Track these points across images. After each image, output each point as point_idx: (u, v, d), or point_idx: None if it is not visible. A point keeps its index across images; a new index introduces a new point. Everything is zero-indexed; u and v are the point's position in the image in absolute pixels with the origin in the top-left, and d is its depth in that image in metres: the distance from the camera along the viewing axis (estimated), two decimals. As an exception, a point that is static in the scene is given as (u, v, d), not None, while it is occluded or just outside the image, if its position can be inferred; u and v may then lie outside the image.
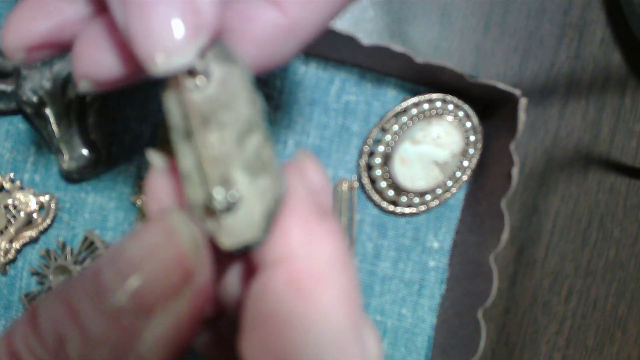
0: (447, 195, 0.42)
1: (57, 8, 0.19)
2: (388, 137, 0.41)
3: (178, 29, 0.15)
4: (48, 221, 0.40)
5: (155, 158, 0.18)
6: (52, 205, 0.40)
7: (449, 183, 0.41)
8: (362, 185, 0.42)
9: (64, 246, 0.40)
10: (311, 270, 0.16)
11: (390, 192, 0.41)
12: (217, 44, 0.17)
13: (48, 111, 0.37)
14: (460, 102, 0.40)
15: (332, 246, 0.16)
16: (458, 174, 0.41)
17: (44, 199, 0.40)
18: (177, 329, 0.16)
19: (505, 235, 0.36)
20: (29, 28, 0.19)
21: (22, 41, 0.19)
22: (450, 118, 0.41)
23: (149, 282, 0.15)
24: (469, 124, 0.41)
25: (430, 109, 0.40)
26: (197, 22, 0.15)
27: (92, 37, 0.18)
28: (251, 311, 0.16)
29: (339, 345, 0.15)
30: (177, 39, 0.15)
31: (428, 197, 0.41)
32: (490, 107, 0.41)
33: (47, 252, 0.40)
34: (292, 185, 0.17)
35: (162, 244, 0.16)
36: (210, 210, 0.16)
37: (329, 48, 0.39)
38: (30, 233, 0.40)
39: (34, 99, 0.37)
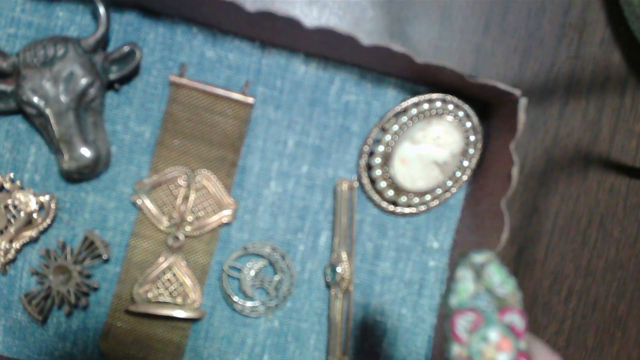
0: (447, 195, 0.42)
1: None
2: (388, 137, 0.41)
3: None
4: (48, 221, 0.40)
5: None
6: (52, 205, 0.40)
7: (449, 183, 0.41)
8: (362, 185, 0.42)
9: (64, 246, 0.40)
10: None
11: (390, 192, 0.41)
12: None
13: (48, 111, 0.37)
14: (460, 102, 0.40)
15: None
16: (458, 174, 0.41)
17: (44, 199, 0.40)
18: None
19: (505, 235, 0.36)
20: None
21: None
22: (450, 118, 0.41)
23: None
24: (469, 124, 0.41)
25: (430, 109, 0.40)
26: None
27: None
28: None
29: None
30: None
31: (428, 197, 0.41)
32: (490, 107, 0.41)
33: (47, 252, 0.40)
34: None
35: None
36: None
37: (329, 48, 0.39)
38: (30, 233, 0.40)
39: (34, 99, 0.37)
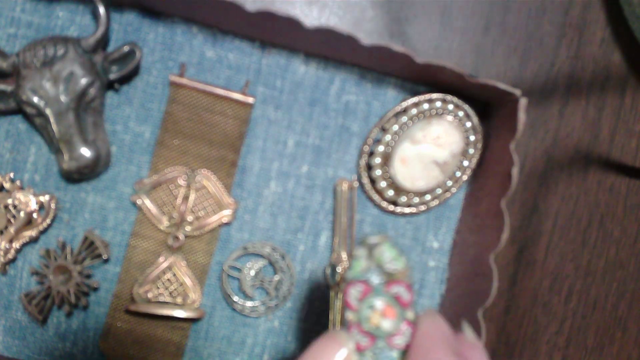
0: (447, 195, 0.42)
1: None
2: (388, 137, 0.41)
3: None
4: (48, 221, 0.40)
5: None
6: (52, 205, 0.40)
7: (449, 183, 0.41)
8: (362, 185, 0.42)
9: (64, 246, 0.40)
10: None
11: (390, 192, 0.41)
12: None
13: (48, 111, 0.37)
14: (460, 102, 0.40)
15: None
16: (458, 174, 0.41)
17: (44, 199, 0.40)
18: None
19: (505, 235, 0.36)
20: None
21: None
22: (450, 118, 0.41)
23: None
24: (469, 124, 0.41)
25: (430, 109, 0.40)
26: None
27: None
28: None
29: None
30: None
31: (428, 197, 0.41)
32: (490, 107, 0.41)
33: (47, 252, 0.40)
34: (432, 331, 0.23)
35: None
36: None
37: (329, 48, 0.39)
38: (30, 233, 0.40)
39: (34, 99, 0.37)
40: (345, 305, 0.24)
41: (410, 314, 0.24)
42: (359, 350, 0.24)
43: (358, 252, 0.24)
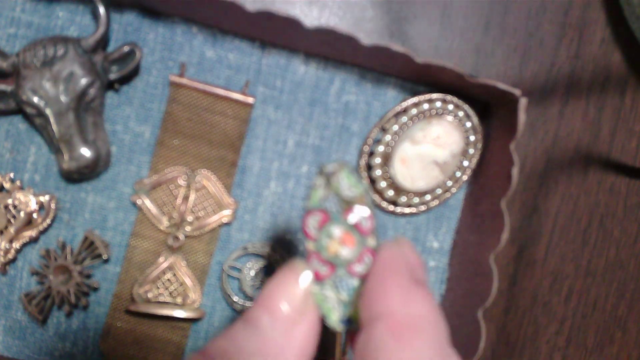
0: (447, 195, 0.42)
1: None
2: (388, 137, 0.41)
3: None
4: (48, 221, 0.40)
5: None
6: (52, 205, 0.40)
7: (449, 183, 0.41)
8: (362, 185, 0.42)
9: (64, 246, 0.40)
10: (408, 321, 0.20)
11: (390, 192, 0.41)
12: None
13: (48, 111, 0.37)
14: (460, 102, 0.40)
15: (426, 306, 0.20)
16: (458, 174, 0.41)
17: (44, 199, 0.40)
18: (308, 343, 0.22)
19: (505, 235, 0.36)
20: None
21: None
22: (450, 118, 0.41)
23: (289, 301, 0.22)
24: (469, 124, 0.41)
25: (430, 109, 0.40)
26: None
27: None
28: (360, 354, 0.20)
29: None
30: None
31: (428, 197, 0.41)
32: (490, 107, 0.41)
33: (47, 252, 0.40)
34: (390, 258, 0.22)
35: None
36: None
37: (329, 48, 0.39)
38: (30, 233, 0.40)
39: (34, 99, 0.37)
40: (304, 235, 0.24)
41: (371, 242, 0.23)
42: (319, 279, 0.23)
43: (316, 182, 0.24)
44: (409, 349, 0.19)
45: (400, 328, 0.19)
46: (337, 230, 0.23)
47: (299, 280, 0.23)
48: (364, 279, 0.23)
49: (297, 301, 0.22)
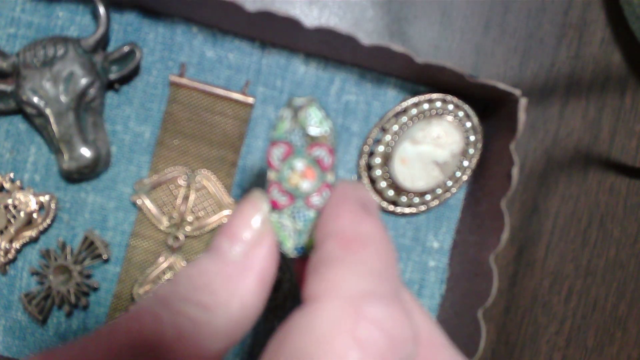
0: (447, 195, 0.42)
1: None
2: (388, 137, 0.41)
3: None
4: (48, 221, 0.40)
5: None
6: (52, 205, 0.40)
7: (449, 183, 0.41)
8: (362, 185, 0.42)
9: (64, 246, 0.40)
10: (357, 237, 0.21)
11: (390, 192, 0.41)
12: None
13: (48, 111, 0.37)
14: (460, 102, 0.40)
15: (374, 228, 0.21)
16: (458, 174, 0.41)
17: (44, 199, 0.40)
18: (267, 266, 0.23)
19: (505, 235, 0.36)
20: None
21: None
22: (450, 118, 0.41)
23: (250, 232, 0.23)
24: (469, 124, 0.41)
25: (430, 109, 0.40)
26: None
27: None
28: (311, 268, 0.21)
29: (381, 288, 0.20)
30: None
31: (428, 197, 0.41)
32: (490, 107, 0.41)
33: (47, 252, 0.40)
34: (344, 191, 0.23)
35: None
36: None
37: (329, 48, 0.39)
38: (30, 233, 0.40)
39: (34, 99, 0.37)
40: (267, 165, 0.24)
41: (330, 177, 0.25)
42: (278, 208, 0.24)
43: (283, 113, 0.24)
44: (357, 257, 0.20)
45: (349, 241, 0.21)
46: (299, 164, 0.24)
47: (257, 209, 0.23)
48: (320, 211, 0.24)
49: (256, 227, 0.23)
